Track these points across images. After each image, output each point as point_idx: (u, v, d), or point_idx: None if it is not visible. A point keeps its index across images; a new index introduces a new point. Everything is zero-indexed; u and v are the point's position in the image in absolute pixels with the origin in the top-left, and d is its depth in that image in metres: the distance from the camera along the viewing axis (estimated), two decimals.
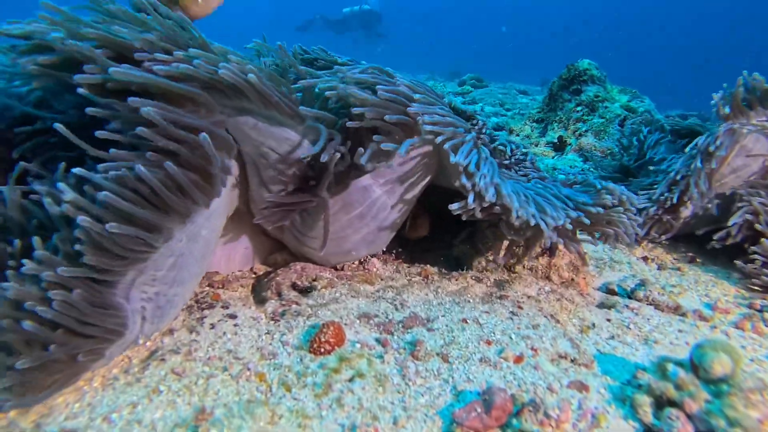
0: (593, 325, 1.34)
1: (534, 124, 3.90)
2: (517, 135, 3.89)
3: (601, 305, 1.50)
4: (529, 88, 14.82)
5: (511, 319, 1.25)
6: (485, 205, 1.20)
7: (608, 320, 1.38)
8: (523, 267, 1.54)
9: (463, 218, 1.26)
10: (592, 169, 3.06)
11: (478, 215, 1.22)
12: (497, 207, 1.21)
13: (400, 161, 1.26)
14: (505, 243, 1.53)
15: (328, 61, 1.57)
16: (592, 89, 3.58)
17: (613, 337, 1.30)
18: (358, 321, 1.19)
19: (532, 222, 1.20)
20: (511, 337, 1.15)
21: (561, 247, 1.53)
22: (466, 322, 1.20)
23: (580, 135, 3.40)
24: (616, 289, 1.64)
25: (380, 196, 1.29)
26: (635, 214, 1.42)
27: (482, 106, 7.27)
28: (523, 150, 1.91)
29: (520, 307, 1.31)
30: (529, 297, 1.38)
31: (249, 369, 1.02)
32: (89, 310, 0.87)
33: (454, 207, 1.23)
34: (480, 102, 8.57)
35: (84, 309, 0.86)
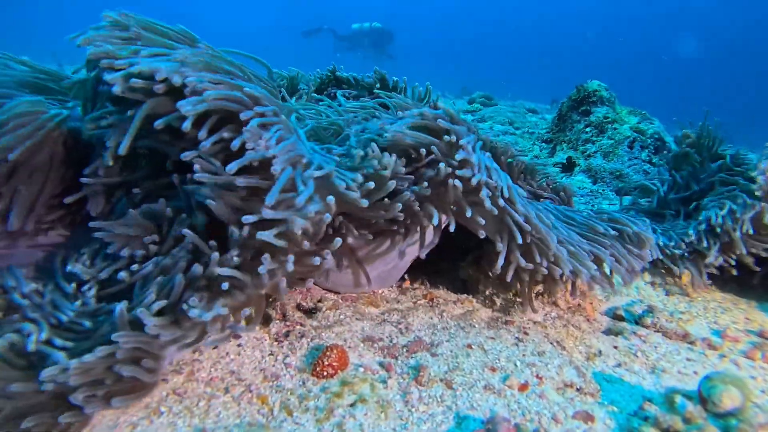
0: (600, 352, 1.32)
1: (543, 144, 3.90)
2: (525, 156, 3.88)
3: (608, 331, 1.48)
4: (538, 106, 14.84)
5: (517, 345, 1.23)
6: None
7: (615, 347, 1.36)
8: (529, 292, 1.53)
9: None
10: (603, 191, 3.05)
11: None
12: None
13: None
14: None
15: (360, 87, 1.61)
16: (602, 110, 3.58)
17: (620, 365, 1.28)
18: (362, 344, 1.18)
19: (583, 279, 1.20)
20: (516, 364, 1.14)
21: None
22: (471, 348, 1.19)
23: (589, 156, 3.40)
24: (624, 314, 1.62)
25: (410, 245, 1.30)
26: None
27: (491, 125, 7.28)
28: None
29: (525, 333, 1.30)
30: (535, 323, 1.37)
31: (251, 391, 1.01)
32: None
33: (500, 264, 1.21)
34: (489, 120, 8.59)
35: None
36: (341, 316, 1.29)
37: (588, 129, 3.55)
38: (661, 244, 1.68)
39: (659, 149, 3.39)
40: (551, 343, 1.28)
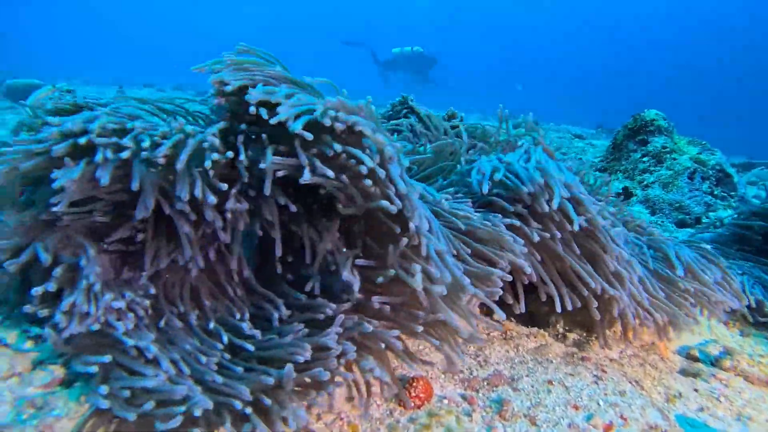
0: (680, 394, 1.30)
1: (596, 173, 3.85)
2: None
3: (684, 372, 1.45)
4: (584, 131, 14.65)
5: (596, 383, 1.23)
6: None
7: (695, 390, 1.33)
8: (603, 328, 1.52)
9: None
10: (662, 222, 2.99)
11: None
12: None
13: None
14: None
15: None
16: (659, 140, 3.52)
17: (702, 410, 1.26)
18: (443, 375, 1.21)
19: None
20: (599, 404, 1.14)
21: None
22: (552, 384, 1.20)
23: (647, 186, 3.34)
24: (698, 355, 1.58)
25: None
26: None
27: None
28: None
29: (603, 371, 1.29)
30: (611, 360, 1.36)
31: (342, 419, 1.05)
32: None
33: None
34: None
35: None
36: (421, 347, 1.32)
37: (645, 159, 3.49)
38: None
39: (721, 181, 3.29)
40: (630, 383, 1.27)
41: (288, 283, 1.18)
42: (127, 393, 0.91)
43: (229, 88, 1.10)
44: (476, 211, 1.34)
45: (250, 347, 1.01)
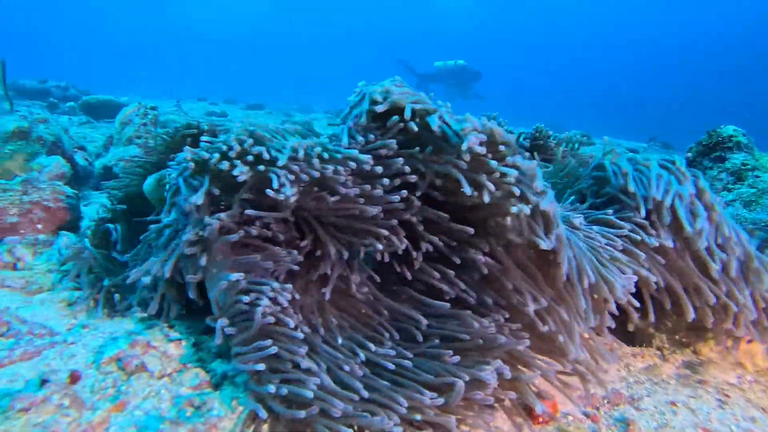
0: None
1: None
2: None
3: None
4: (637, 146, 14.27)
5: (722, 408, 1.23)
6: None
7: None
8: (710, 349, 1.51)
9: None
10: None
11: None
12: None
13: None
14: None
15: None
16: (739, 157, 3.41)
17: None
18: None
19: None
20: (731, 429, 1.14)
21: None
22: (676, 406, 1.20)
23: (726, 205, 3.23)
24: None
25: None
26: None
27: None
28: None
29: (726, 395, 1.28)
30: (730, 384, 1.35)
31: None
32: None
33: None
34: None
35: None
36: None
37: (723, 175, 3.39)
38: None
39: None
40: (757, 410, 1.26)
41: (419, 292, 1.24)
42: (284, 391, 0.98)
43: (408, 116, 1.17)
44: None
45: (390, 365, 1.06)
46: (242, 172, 1.14)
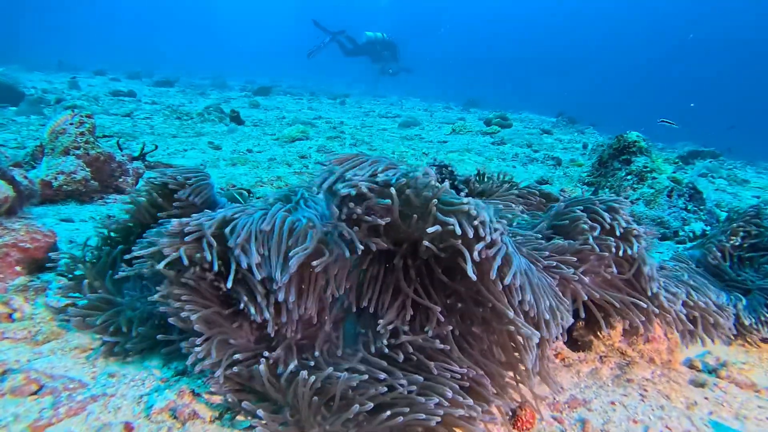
0: (696, 403, 1.76)
1: (585, 186, 4.35)
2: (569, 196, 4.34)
3: (694, 383, 1.93)
4: (544, 119, 15.35)
5: (643, 401, 1.68)
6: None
7: (706, 398, 1.81)
8: (633, 350, 1.97)
9: None
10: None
11: None
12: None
13: None
14: (619, 328, 1.96)
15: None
16: (641, 160, 4.04)
17: (711, 413, 1.73)
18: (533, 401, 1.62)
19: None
20: (650, 418, 1.59)
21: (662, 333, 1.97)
22: (614, 404, 1.63)
23: (632, 202, 3.85)
24: (700, 366, 2.06)
25: None
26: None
27: (515, 154, 7.72)
28: None
29: (645, 390, 1.74)
30: (647, 380, 1.82)
31: None
32: None
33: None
34: (509, 143, 9.09)
35: None
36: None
37: (629, 177, 4.01)
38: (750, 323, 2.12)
39: (693, 197, 3.85)
40: (663, 397, 1.73)
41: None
42: None
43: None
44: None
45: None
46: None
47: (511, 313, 1.39)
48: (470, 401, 1.30)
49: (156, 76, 17.94)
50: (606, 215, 1.72)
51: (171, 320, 1.55)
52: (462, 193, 2.46)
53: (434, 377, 1.38)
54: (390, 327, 1.47)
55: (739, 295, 2.36)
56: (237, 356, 1.46)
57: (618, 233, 1.73)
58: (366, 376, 1.36)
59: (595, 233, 1.73)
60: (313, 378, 1.34)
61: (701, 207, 3.85)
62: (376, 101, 16.52)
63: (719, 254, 2.37)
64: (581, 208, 1.79)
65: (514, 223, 2.12)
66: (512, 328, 1.41)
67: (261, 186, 4.39)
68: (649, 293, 1.78)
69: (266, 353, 1.47)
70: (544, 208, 2.40)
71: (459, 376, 1.38)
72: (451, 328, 1.47)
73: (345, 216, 1.45)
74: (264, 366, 1.40)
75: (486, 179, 2.50)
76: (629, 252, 1.73)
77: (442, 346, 1.44)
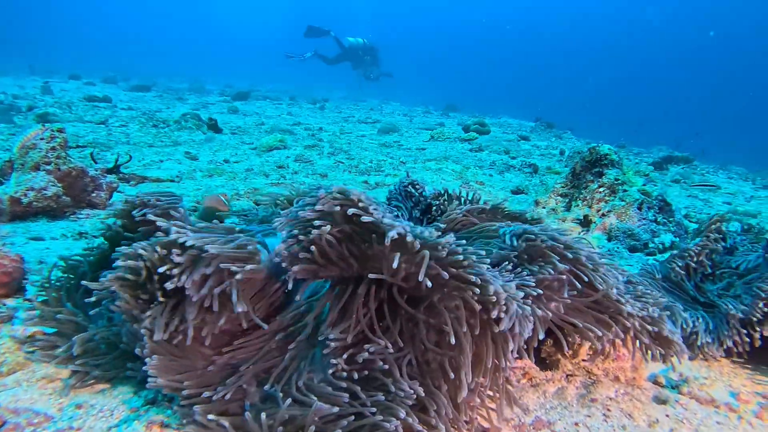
0: (657, 420, 1.82)
1: (559, 197, 4.44)
2: (543, 207, 4.42)
3: (657, 399, 1.99)
4: (521, 123, 15.54)
5: (606, 421, 1.73)
6: None
7: (667, 416, 1.86)
8: (598, 368, 2.03)
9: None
10: (618, 249, 3.59)
11: None
12: None
13: None
14: (585, 348, 2.01)
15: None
16: (612, 173, 4.14)
17: (672, 431, 1.79)
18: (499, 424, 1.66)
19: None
20: None
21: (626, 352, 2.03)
22: (578, 426, 1.68)
23: (604, 215, 3.95)
24: (664, 382, 2.13)
25: None
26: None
27: (493, 161, 7.81)
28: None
29: (608, 410, 1.79)
30: (611, 399, 1.87)
31: None
32: None
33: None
34: (486, 149, 9.20)
35: None
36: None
37: (602, 189, 4.10)
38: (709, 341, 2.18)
39: (662, 209, 3.96)
40: (626, 416, 1.78)
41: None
42: None
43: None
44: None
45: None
46: None
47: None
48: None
49: (133, 80, 17.70)
50: (567, 253, 1.77)
51: (136, 351, 1.55)
52: (432, 218, 2.50)
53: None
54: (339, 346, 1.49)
55: (703, 313, 2.44)
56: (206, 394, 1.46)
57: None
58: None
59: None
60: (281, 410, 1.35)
61: (670, 219, 3.96)
62: (356, 106, 16.55)
63: (683, 272, 2.45)
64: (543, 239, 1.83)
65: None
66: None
67: (238, 199, 4.37)
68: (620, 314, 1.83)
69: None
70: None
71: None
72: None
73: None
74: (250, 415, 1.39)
75: (451, 200, 2.54)
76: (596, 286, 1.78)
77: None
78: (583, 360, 2.02)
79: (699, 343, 2.10)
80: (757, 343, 2.22)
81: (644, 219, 3.82)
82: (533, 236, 1.82)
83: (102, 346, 1.80)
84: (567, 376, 1.99)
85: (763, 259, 2.52)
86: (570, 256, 1.68)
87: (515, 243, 1.86)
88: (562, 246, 1.80)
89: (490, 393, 1.55)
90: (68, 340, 1.82)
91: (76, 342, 1.80)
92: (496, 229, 2.13)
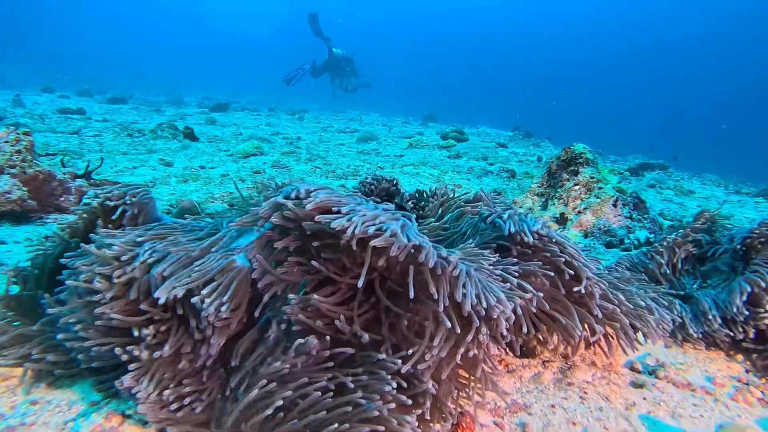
0: (634, 403, 1.80)
1: (536, 197, 4.46)
2: (520, 207, 4.44)
3: (633, 384, 1.97)
4: (499, 133, 15.70)
5: (583, 403, 1.70)
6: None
7: (644, 399, 1.85)
8: (575, 354, 2.01)
9: None
10: (594, 245, 3.61)
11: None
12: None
13: None
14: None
15: None
16: (588, 171, 4.18)
17: (649, 413, 1.77)
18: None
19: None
20: (588, 419, 1.61)
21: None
22: (554, 408, 1.65)
23: (580, 212, 3.97)
24: (640, 367, 2.12)
25: None
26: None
27: (471, 167, 7.86)
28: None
29: (585, 393, 1.77)
30: (587, 383, 1.85)
31: None
32: None
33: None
34: (465, 156, 9.26)
35: None
36: None
37: (577, 187, 4.14)
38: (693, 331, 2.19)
39: (637, 206, 4.01)
40: (603, 399, 1.76)
41: None
42: None
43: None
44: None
45: None
46: None
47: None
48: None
49: (109, 93, 17.43)
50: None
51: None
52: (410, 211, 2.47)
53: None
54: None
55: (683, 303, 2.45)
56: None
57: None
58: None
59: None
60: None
61: (645, 215, 4.01)
62: (335, 116, 16.57)
63: (663, 263, 2.47)
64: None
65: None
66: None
67: (212, 202, 4.29)
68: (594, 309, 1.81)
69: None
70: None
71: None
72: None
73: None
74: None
75: (429, 199, 2.52)
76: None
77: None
78: (561, 347, 1.99)
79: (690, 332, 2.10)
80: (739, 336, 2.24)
81: (620, 215, 3.86)
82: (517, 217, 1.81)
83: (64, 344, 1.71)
84: (543, 362, 1.96)
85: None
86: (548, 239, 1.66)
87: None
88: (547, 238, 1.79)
89: (467, 375, 1.51)
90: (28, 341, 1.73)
91: (34, 343, 1.72)
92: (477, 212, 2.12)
